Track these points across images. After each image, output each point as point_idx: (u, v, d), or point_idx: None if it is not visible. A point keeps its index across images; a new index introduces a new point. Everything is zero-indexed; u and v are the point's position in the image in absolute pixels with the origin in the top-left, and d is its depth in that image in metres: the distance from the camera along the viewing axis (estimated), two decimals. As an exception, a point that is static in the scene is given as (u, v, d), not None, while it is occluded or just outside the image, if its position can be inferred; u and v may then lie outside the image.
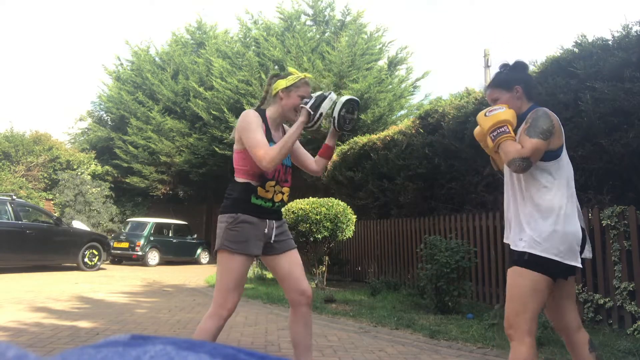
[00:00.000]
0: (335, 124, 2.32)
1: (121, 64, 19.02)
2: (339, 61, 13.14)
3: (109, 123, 19.36)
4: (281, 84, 2.26)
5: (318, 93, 2.24)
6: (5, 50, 44.99)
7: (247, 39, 16.11)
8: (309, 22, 15.33)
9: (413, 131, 7.67)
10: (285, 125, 2.42)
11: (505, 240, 2.15)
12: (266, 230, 2.24)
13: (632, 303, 4.17)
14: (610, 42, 4.98)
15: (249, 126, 2.16)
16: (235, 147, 2.27)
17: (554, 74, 5.25)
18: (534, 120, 1.95)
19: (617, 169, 4.78)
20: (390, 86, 14.00)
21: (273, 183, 2.24)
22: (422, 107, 10.86)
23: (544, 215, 1.91)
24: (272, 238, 2.26)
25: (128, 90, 17.66)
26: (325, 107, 2.20)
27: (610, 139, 4.66)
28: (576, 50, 5.26)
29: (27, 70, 48.44)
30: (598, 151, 4.81)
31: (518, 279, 1.92)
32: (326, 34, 14.94)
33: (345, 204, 7.43)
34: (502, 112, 1.99)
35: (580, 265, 1.92)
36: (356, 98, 2.36)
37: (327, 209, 7.10)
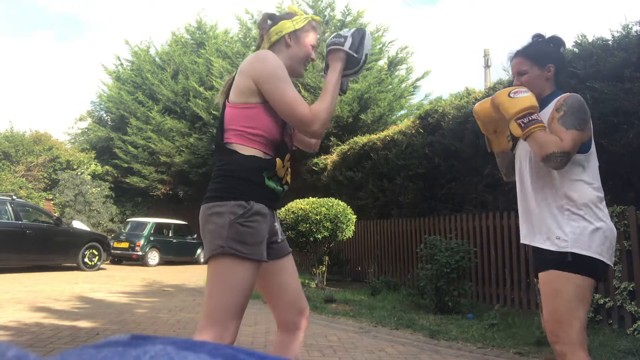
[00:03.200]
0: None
1: (121, 64, 19.06)
2: (339, 61, 13.13)
3: (109, 123, 19.39)
4: (287, 25, 1.66)
5: (349, 31, 1.69)
6: (5, 50, 45.02)
7: (247, 39, 16.12)
8: (309, 22, 15.33)
9: (413, 131, 7.67)
10: None
11: (524, 241, 1.85)
12: (277, 225, 1.71)
13: (632, 303, 4.17)
14: (610, 42, 4.98)
15: (282, 73, 1.53)
16: (238, 100, 1.57)
17: (554, 74, 5.25)
18: (571, 108, 1.72)
19: (617, 169, 4.78)
20: (390, 86, 14.00)
21: (289, 156, 1.66)
22: (422, 107, 10.85)
23: (584, 211, 1.68)
24: (279, 237, 1.72)
25: (128, 90, 17.68)
26: (368, 46, 1.68)
27: (610, 139, 4.66)
28: (576, 50, 5.27)
29: (27, 70, 48.44)
30: (598, 151, 4.77)
31: (561, 284, 1.63)
32: (326, 34, 14.94)
33: (345, 204, 7.43)
34: (530, 97, 1.72)
35: (612, 265, 1.71)
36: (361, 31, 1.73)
37: (327, 209, 7.10)
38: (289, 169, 1.70)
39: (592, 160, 1.79)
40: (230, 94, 1.61)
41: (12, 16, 49.47)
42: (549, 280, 1.68)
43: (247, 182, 1.53)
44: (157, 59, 18.36)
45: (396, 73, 14.79)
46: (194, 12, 36.30)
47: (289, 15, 1.70)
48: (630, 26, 4.85)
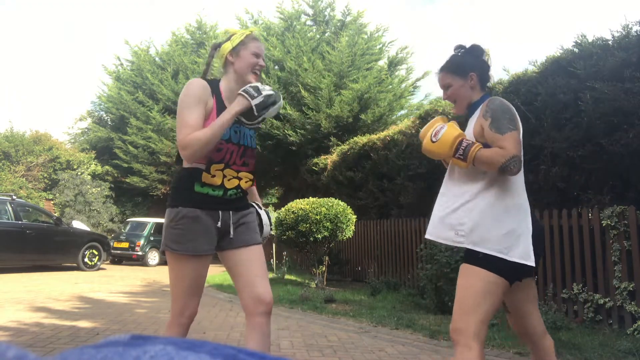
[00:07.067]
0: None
1: (121, 64, 19.04)
2: (339, 61, 13.14)
3: (109, 123, 19.38)
4: (227, 47, 1.93)
5: (268, 90, 1.86)
6: (5, 50, 45.03)
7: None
8: (309, 22, 15.33)
9: (413, 131, 7.67)
10: None
11: (429, 237, 1.96)
12: (219, 224, 1.88)
13: (632, 303, 4.17)
14: (610, 42, 4.98)
15: (187, 100, 1.85)
16: None
17: (554, 74, 5.25)
18: (496, 112, 1.77)
19: (617, 169, 4.78)
20: (391, 86, 14.00)
21: (221, 166, 1.87)
22: (422, 107, 10.86)
23: (497, 211, 1.73)
24: (231, 233, 1.92)
25: (128, 90, 17.67)
26: (271, 113, 1.88)
27: (610, 139, 4.66)
28: (576, 50, 5.26)
29: (27, 70, 48.46)
30: (598, 151, 4.81)
31: (469, 278, 1.73)
32: (326, 34, 14.94)
33: (345, 204, 7.43)
34: (448, 130, 1.81)
35: (533, 265, 1.72)
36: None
37: (327, 209, 7.10)
38: (240, 177, 1.92)
39: None
40: None
41: (12, 16, 49.51)
42: (461, 273, 1.80)
43: (177, 190, 1.88)
44: (157, 59, 18.35)
45: (396, 73, 14.78)
46: (194, 12, 36.31)
47: (228, 38, 1.96)
48: (630, 26, 4.85)
